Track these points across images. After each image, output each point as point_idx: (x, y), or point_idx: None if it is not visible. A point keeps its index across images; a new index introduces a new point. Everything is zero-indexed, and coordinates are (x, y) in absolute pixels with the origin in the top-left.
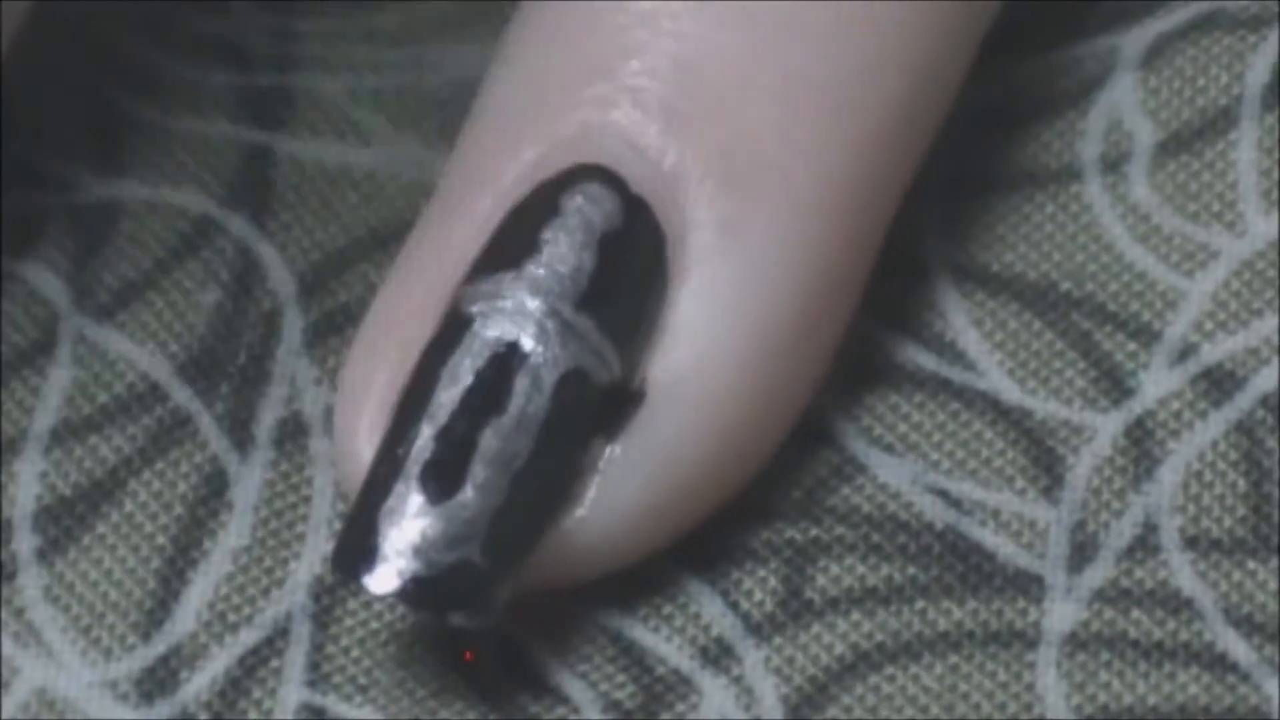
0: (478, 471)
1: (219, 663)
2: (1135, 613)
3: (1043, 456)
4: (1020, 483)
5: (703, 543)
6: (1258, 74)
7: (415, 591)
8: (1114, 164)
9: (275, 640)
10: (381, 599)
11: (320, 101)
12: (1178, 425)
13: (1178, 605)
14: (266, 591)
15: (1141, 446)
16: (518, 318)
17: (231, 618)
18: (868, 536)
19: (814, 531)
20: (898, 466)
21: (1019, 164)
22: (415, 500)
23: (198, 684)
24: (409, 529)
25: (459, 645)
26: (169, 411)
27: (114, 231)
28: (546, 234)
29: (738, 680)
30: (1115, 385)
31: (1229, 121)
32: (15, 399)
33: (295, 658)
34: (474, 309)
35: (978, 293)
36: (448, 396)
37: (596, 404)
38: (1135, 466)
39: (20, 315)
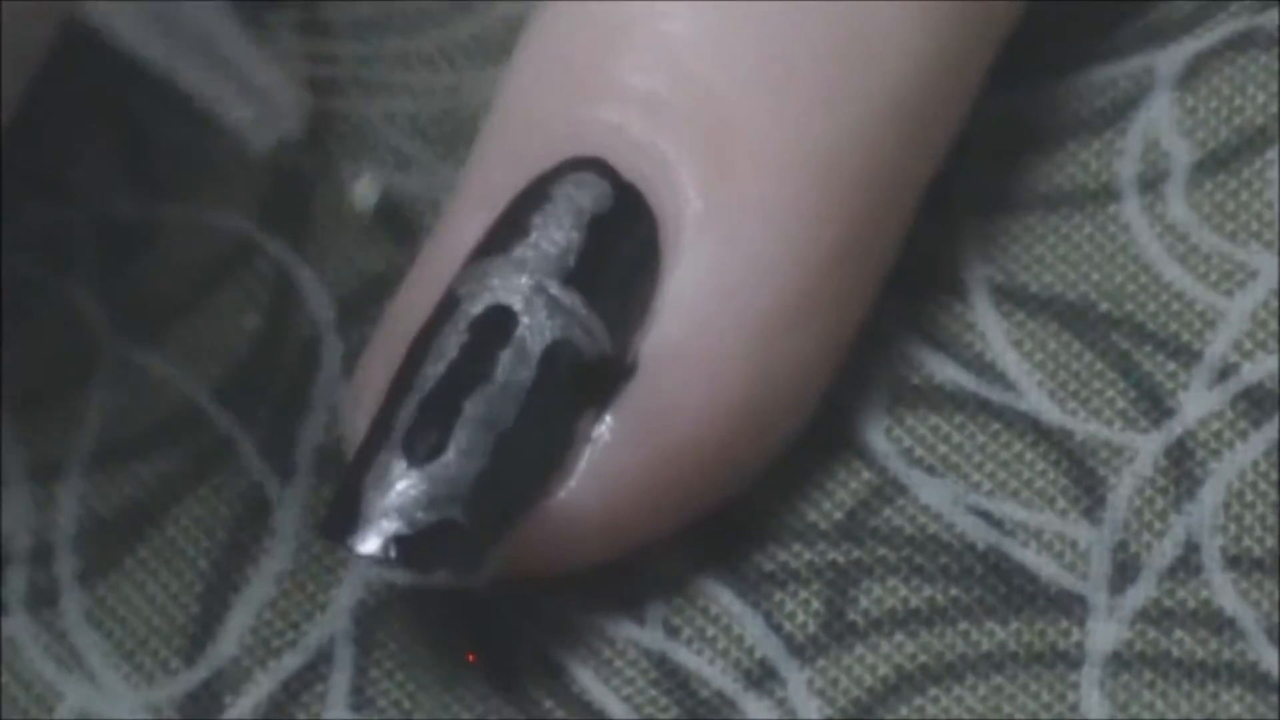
0: (460, 436)
1: (262, 687)
2: (1178, 633)
3: (1084, 477)
4: (1062, 503)
5: (744, 565)
6: None
7: (398, 550)
8: (1152, 184)
9: (318, 665)
10: (367, 560)
11: (358, 125)
12: (1218, 445)
13: (1220, 625)
14: (309, 616)
15: (1182, 467)
16: (504, 293)
17: (274, 642)
18: (910, 558)
19: (856, 553)
20: (939, 487)
21: (1057, 184)
22: (398, 465)
23: (241, 708)
24: (391, 492)
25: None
26: (211, 436)
27: (152, 253)
28: (536, 219)
29: (781, 703)
30: (1155, 405)
31: (1266, 140)
32: (57, 421)
33: (339, 682)
34: (461, 290)
35: (1017, 313)
36: (433, 370)
37: (584, 376)
38: (1176, 487)
39: (60, 338)
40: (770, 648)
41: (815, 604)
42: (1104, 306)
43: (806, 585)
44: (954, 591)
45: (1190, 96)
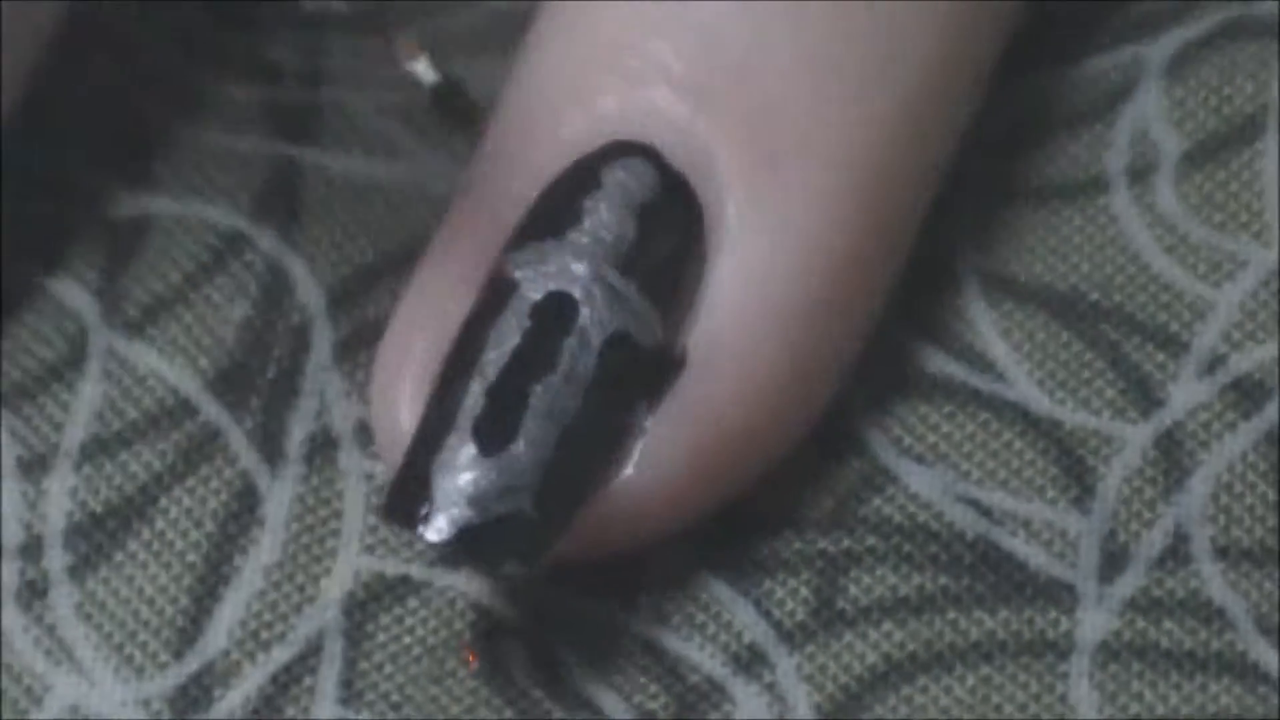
0: (529, 425)
1: (252, 681)
2: (1167, 622)
3: (1073, 466)
4: (1051, 492)
5: (735, 552)
6: None
7: (469, 540)
8: (1140, 174)
9: (308, 657)
10: (437, 547)
11: (349, 116)
12: (1207, 436)
13: (1209, 615)
14: (299, 608)
15: (1171, 457)
16: (564, 280)
17: (264, 635)
18: (899, 546)
19: (846, 541)
20: (929, 476)
21: (1046, 175)
22: (468, 451)
23: (231, 702)
24: (463, 479)
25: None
26: (199, 426)
27: (143, 246)
28: (588, 203)
29: (770, 688)
30: (1144, 396)
31: (1255, 130)
32: (46, 415)
33: (328, 675)
34: (518, 274)
35: (1006, 303)
36: (496, 354)
37: (641, 367)
38: (1166, 477)
39: (50, 330)
40: (760, 634)
41: (805, 592)
42: (1093, 297)
43: (796, 573)
44: (943, 580)
45: (1179, 87)
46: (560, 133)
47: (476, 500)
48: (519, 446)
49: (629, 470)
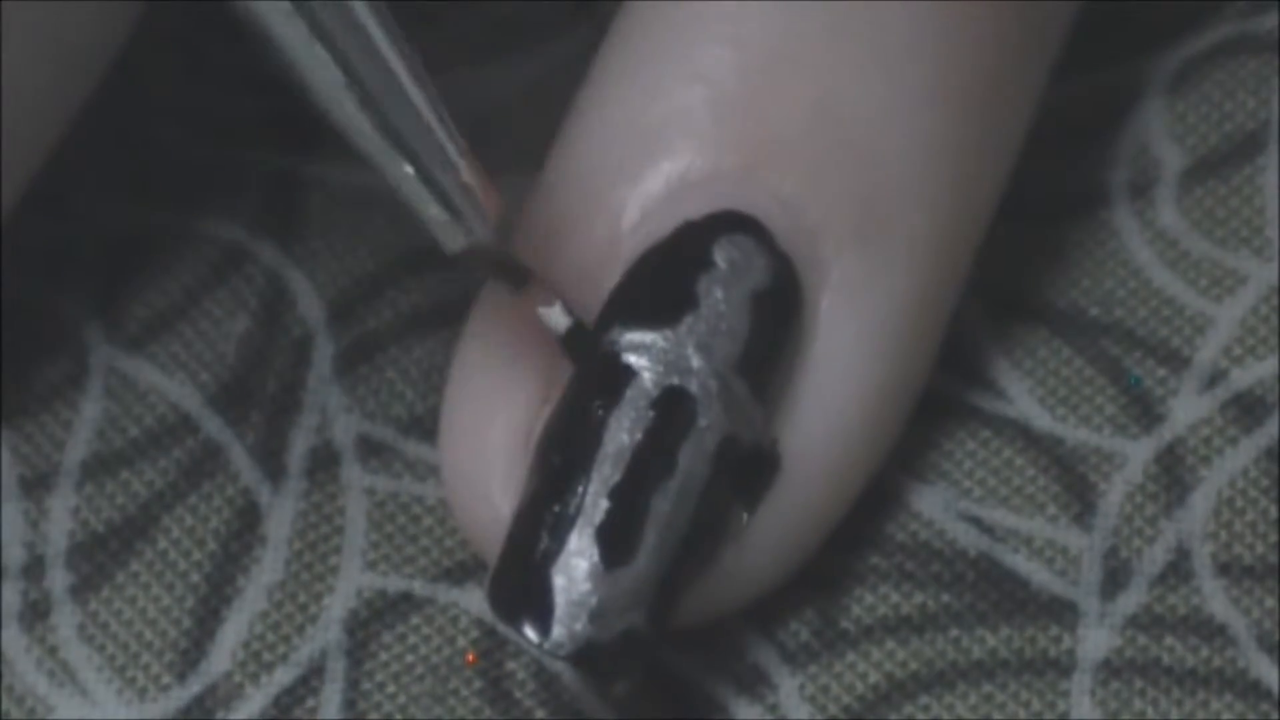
0: (649, 538)
1: (255, 703)
2: (1169, 639)
3: (1074, 483)
4: (1052, 509)
5: None
6: None
7: (587, 655)
8: (1142, 190)
9: (310, 679)
10: (549, 655)
11: None
12: (1208, 451)
13: (1211, 631)
14: (301, 629)
15: (1173, 473)
16: (683, 375)
17: (266, 656)
18: (901, 565)
19: (848, 560)
20: (930, 494)
21: (1047, 190)
22: (591, 560)
23: None
24: (584, 590)
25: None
26: (200, 443)
27: (143, 261)
28: (701, 286)
29: (773, 709)
30: (1145, 412)
31: (1256, 146)
32: (47, 433)
33: (331, 696)
34: (633, 360)
35: (1007, 320)
36: (615, 450)
37: (744, 468)
38: (1167, 493)
39: (50, 348)
40: (762, 654)
41: (807, 611)
42: (1094, 312)
43: (798, 592)
44: (945, 598)
45: (1180, 102)
46: (648, 183)
47: (599, 616)
48: (639, 563)
49: (720, 571)
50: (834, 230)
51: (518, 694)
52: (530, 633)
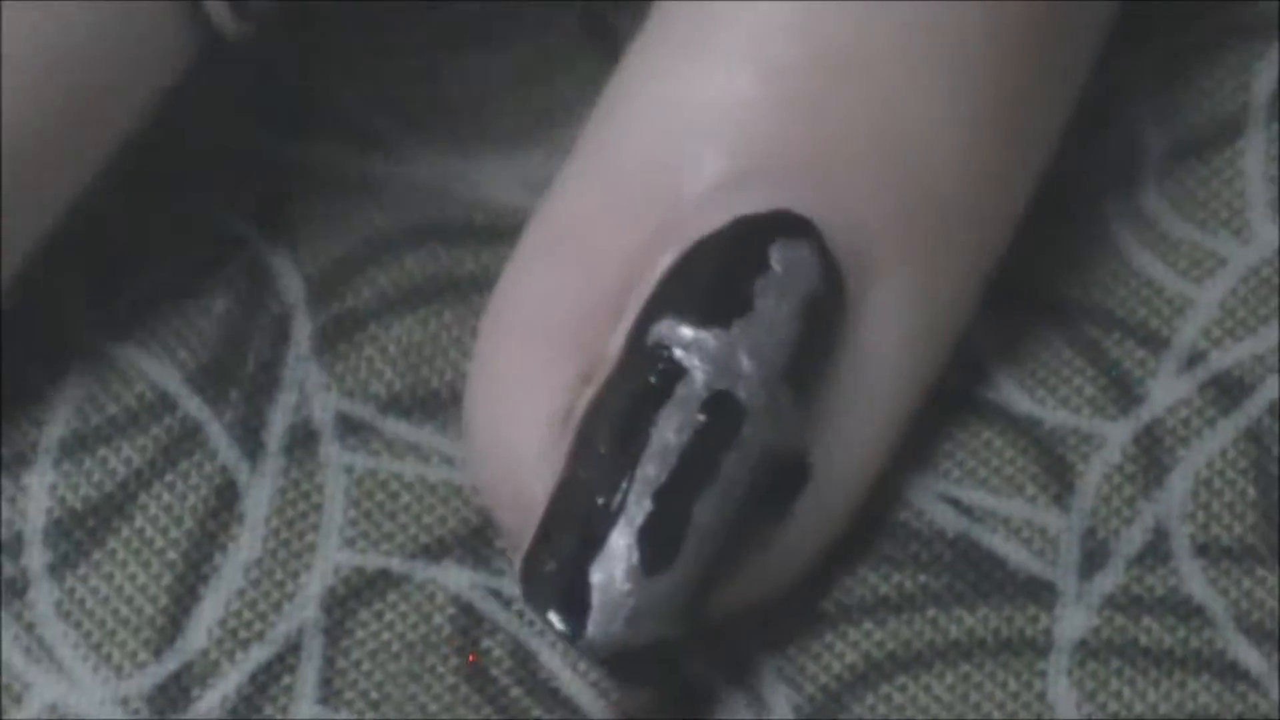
0: (689, 546)
1: (231, 680)
2: (1146, 620)
3: (1053, 464)
4: (1031, 490)
5: None
6: (1265, 82)
7: (619, 658)
8: (1123, 171)
9: (287, 656)
10: (578, 650)
11: (332, 106)
12: (1187, 432)
13: (1188, 612)
14: (278, 606)
15: (1151, 454)
16: (733, 379)
17: (243, 634)
18: (879, 546)
19: None
20: (909, 475)
21: None
22: (632, 562)
23: (210, 701)
24: (623, 591)
25: (464, 648)
26: (178, 421)
27: (123, 240)
28: (757, 289)
29: (750, 689)
30: (1124, 393)
31: (1237, 130)
32: (25, 410)
33: (307, 674)
34: (683, 358)
35: (986, 301)
36: (661, 449)
37: (779, 479)
38: (1145, 474)
39: (29, 326)
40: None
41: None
42: (1074, 294)
43: None
44: (923, 579)
45: (1162, 85)
46: (706, 169)
47: (635, 620)
48: (678, 571)
49: (746, 581)
50: (887, 242)
51: (494, 671)
52: (563, 627)
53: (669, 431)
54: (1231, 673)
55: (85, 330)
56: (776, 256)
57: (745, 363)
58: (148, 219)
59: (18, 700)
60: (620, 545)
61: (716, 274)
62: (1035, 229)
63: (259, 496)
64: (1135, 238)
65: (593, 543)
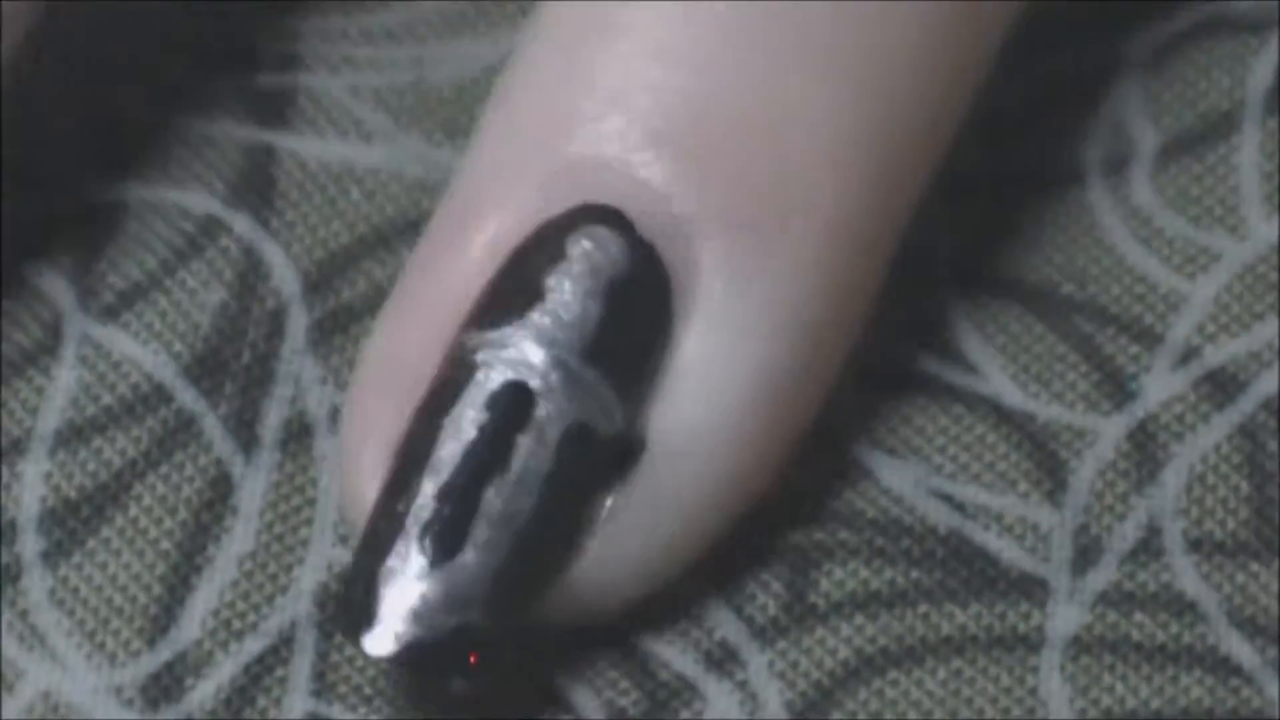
0: (479, 532)
1: (224, 671)
2: (1139, 616)
3: (1046, 460)
4: (1023, 486)
5: None
6: (1260, 78)
7: (413, 657)
8: (1116, 167)
9: (280, 649)
10: (380, 662)
11: (323, 100)
12: (1180, 428)
13: (1181, 608)
14: (271, 599)
15: (1144, 450)
16: (522, 368)
17: (236, 625)
18: (871, 541)
19: (818, 535)
20: (901, 470)
21: (1021, 166)
22: (416, 561)
23: (203, 692)
24: (408, 592)
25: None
26: (173, 413)
27: (118, 232)
28: (551, 280)
29: (742, 685)
30: (1118, 388)
31: (1231, 125)
32: (20, 399)
33: (301, 667)
34: (477, 357)
35: (980, 296)
36: (449, 451)
37: (600, 457)
38: (1138, 470)
39: (24, 316)
40: (732, 630)
41: (776, 586)
42: (1067, 289)
43: (768, 567)
44: (915, 574)
45: (1156, 80)
46: (525, 187)
47: (422, 616)
48: (468, 556)
49: (584, 563)
50: (710, 218)
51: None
52: (361, 643)
53: (458, 433)
54: (1224, 668)
55: (77, 320)
56: (573, 246)
57: (535, 351)
58: (135, 207)
59: (10, 687)
60: (405, 549)
61: (514, 275)
62: (1027, 224)
63: (253, 489)
64: (1130, 233)
65: (380, 554)
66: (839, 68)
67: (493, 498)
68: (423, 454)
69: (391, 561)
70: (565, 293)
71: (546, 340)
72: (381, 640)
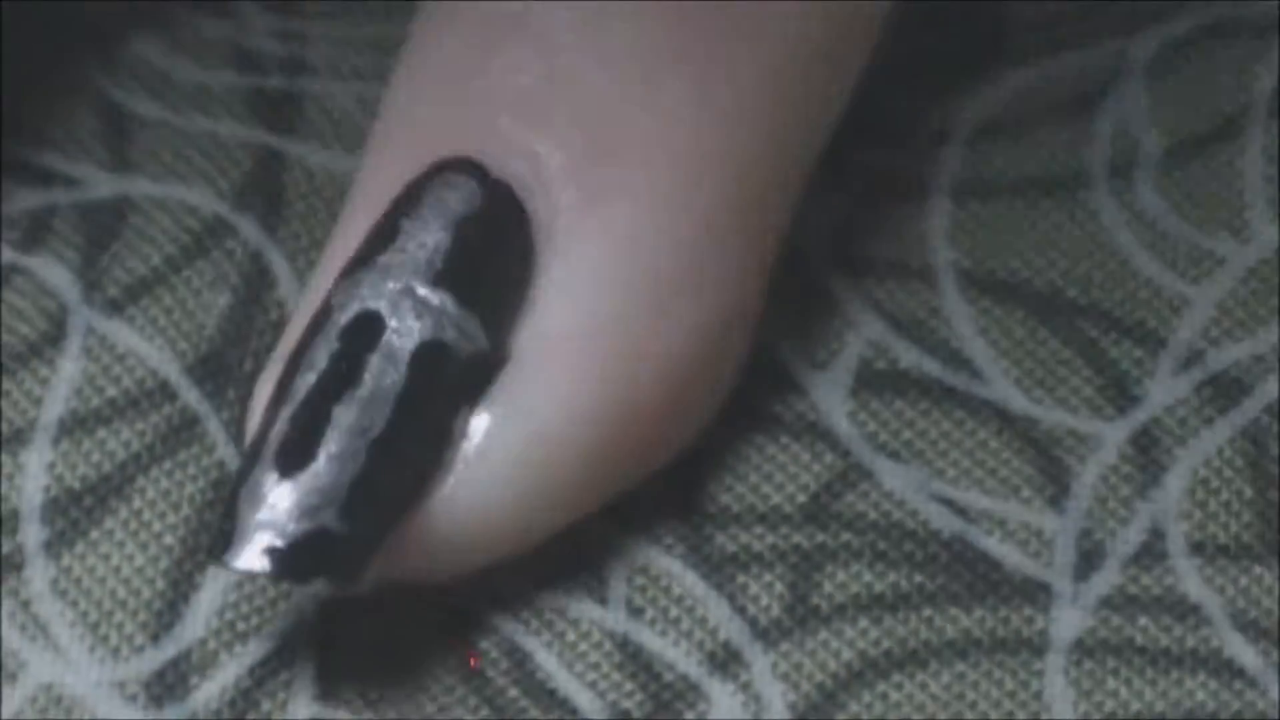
0: (330, 442)
1: (229, 671)
2: (1142, 619)
3: (1049, 465)
4: (1026, 491)
5: (708, 546)
6: (1264, 81)
7: (274, 562)
8: (1121, 170)
9: (284, 652)
10: (244, 574)
11: (330, 110)
12: (1184, 432)
13: (1185, 611)
14: (275, 602)
15: (1148, 454)
16: (371, 300)
17: (241, 626)
18: (874, 544)
19: (820, 538)
20: (904, 474)
21: (1026, 170)
22: (270, 478)
23: (208, 692)
24: (264, 505)
25: (464, 652)
26: (178, 410)
27: (123, 227)
28: (405, 223)
29: (746, 687)
30: (1121, 393)
31: (1236, 129)
32: (24, 390)
33: (304, 671)
34: (334, 301)
35: (984, 300)
36: (304, 381)
37: (461, 375)
38: (1142, 474)
39: (29, 308)
40: (734, 631)
41: (779, 587)
42: (1071, 293)
43: (770, 568)
44: (918, 578)
45: (1160, 84)
46: (399, 162)
47: (275, 523)
48: (319, 464)
49: (451, 479)
50: (558, 150)
51: (491, 672)
52: (225, 560)
53: (313, 364)
54: (1228, 671)
55: (81, 313)
56: (428, 194)
57: (384, 283)
58: (139, 202)
59: (13, 678)
60: (260, 470)
61: (377, 227)
62: (1031, 227)
63: None
64: (1133, 237)
65: (240, 480)
66: (680, 9)
67: (344, 412)
68: (283, 394)
69: (250, 484)
70: (415, 231)
71: (393, 273)
72: (244, 554)
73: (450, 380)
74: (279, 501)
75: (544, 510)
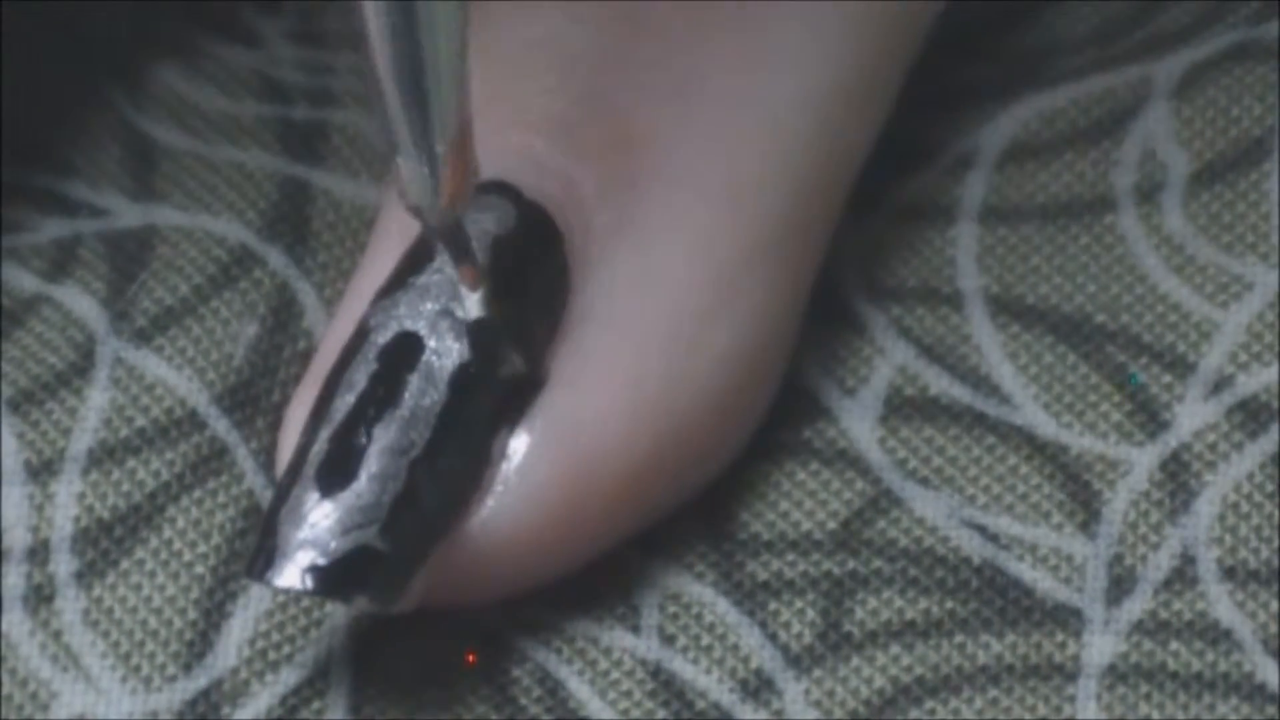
0: (371, 462)
1: (261, 701)
2: (1174, 644)
3: (1079, 491)
4: (1057, 517)
5: (740, 574)
6: None
7: (315, 580)
8: (1148, 194)
9: (316, 681)
10: (286, 593)
11: (355, 140)
12: (1214, 457)
13: (1216, 636)
14: (306, 631)
15: (1178, 479)
16: (409, 321)
17: (272, 655)
18: (905, 570)
19: (851, 564)
20: (934, 501)
21: (1053, 195)
22: (311, 497)
23: None
24: (305, 524)
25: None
26: (206, 440)
27: (150, 257)
28: (439, 247)
29: (778, 714)
30: (1150, 418)
31: (1263, 152)
32: (52, 420)
33: (336, 699)
34: (372, 323)
35: (1012, 325)
36: (343, 402)
37: (499, 396)
38: (1172, 499)
39: (57, 338)
40: (766, 658)
41: (811, 614)
42: (1099, 318)
43: (802, 595)
44: (950, 605)
45: (1187, 107)
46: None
47: (317, 541)
48: (360, 483)
49: (491, 500)
50: (591, 173)
51: (523, 700)
52: (267, 579)
53: (353, 384)
54: (1260, 695)
55: (110, 344)
56: (466, 214)
57: (423, 304)
58: (166, 232)
59: (45, 707)
60: (302, 489)
61: (413, 250)
62: (1059, 252)
63: None
64: (1161, 261)
65: (282, 497)
66: (712, 33)
67: (384, 432)
68: (322, 415)
69: (290, 503)
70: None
71: (431, 294)
72: (285, 572)
73: (489, 400)
74: (320, 520)
75: (582, 532)
